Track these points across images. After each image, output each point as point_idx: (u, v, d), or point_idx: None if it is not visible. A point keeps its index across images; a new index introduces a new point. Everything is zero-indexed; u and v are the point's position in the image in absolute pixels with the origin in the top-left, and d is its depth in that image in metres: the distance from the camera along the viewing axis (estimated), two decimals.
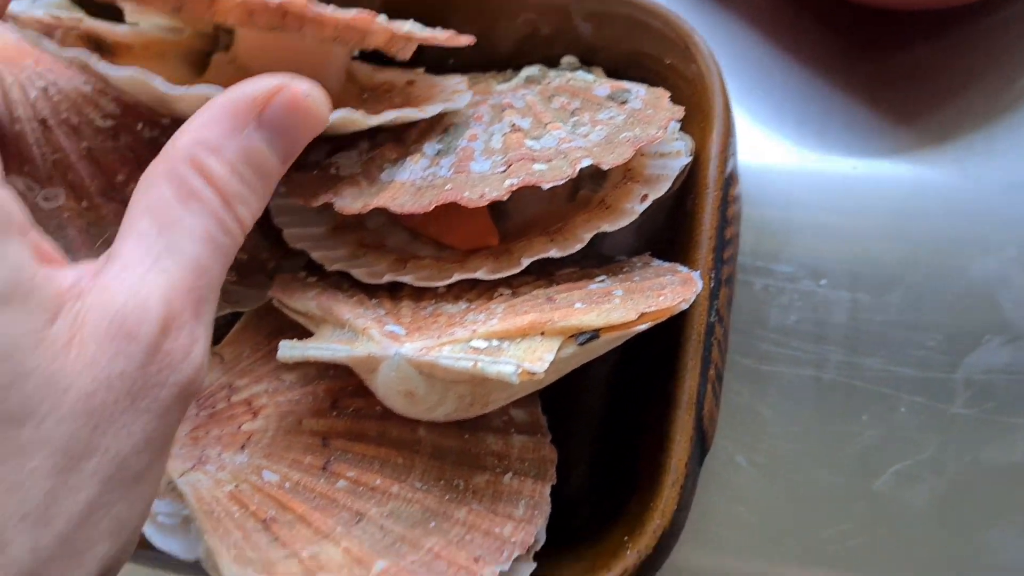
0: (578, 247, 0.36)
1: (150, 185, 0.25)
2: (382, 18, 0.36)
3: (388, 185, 0.36)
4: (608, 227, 0.36)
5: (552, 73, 0.43)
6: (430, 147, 0.37)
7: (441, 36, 0.38)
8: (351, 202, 0.35)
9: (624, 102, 0.39)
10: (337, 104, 0.38)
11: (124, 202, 0.38)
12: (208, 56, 0.39)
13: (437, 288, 0.37)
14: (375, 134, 0.39)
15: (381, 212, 0.39)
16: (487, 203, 0.34)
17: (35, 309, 0.22)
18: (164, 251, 0.24)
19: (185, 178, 0.25)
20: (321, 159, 0.39)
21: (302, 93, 0.28)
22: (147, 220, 0.25)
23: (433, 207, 0.34)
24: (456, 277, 0.35)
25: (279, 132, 0.27)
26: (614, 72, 0.44)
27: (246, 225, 0.27)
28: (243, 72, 0.37)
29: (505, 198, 0.34)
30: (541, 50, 0.45)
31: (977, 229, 0.46)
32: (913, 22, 0.50)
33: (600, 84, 0.40)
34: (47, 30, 0.36)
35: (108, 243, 0.37)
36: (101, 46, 0.38)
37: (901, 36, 0.50)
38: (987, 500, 0.42)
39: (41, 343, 0.22)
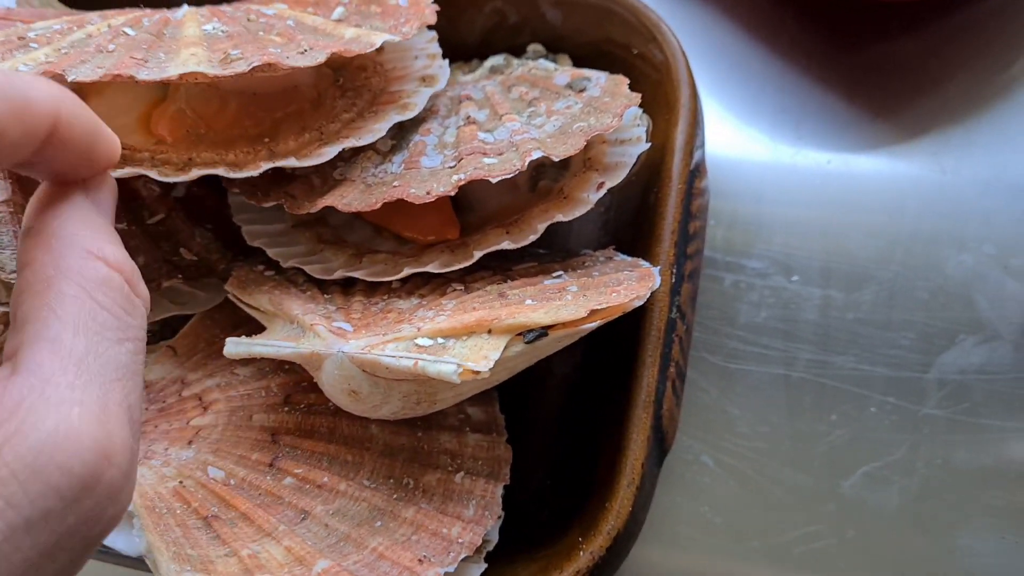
0: (532, 238, 0.35)
1: (43, 292, 0.22)
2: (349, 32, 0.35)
3: (340, 183, 0.35)
4: (563, 217, 0.35)
5: (516, 62, 0.43)
6: (383, 143, 0.37)
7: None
8: (301, 202, 0.35)
9: (583, 90, 0.38)
10: (315, 92, 0.38)
11: None
12: None
13: (391, 283, 0.36)
14: None
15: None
16: (434, 199, 0.33)
17: None
18: (84, 360, 0.21)
19: (86, 272, 0.22)
20: None
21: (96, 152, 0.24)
22: (57, 325, 0.21)
23: (380, 204, 0.33)
24: (407, 271, 0.35)
25: (105, 188, 0.25)
26: (582, 61, 0.43)
27: (146, 296, 0.24)
28: (209, 87, 0.36)
29: (453, 193, 0.33)
30: (508, 39, 0.44)
31: (953, 225, 0.45)
32: (891, 15, 0.49)
33: (561, 72, 0.40)
34: None
35: None
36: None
37: (879, 29, 0.49)
38: (957, 502, 0.41)
39: None
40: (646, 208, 0.39)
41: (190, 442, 0.35)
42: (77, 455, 0.20)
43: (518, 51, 0.44)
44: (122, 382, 0.22)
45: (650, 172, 0.39)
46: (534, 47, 0.44)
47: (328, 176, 0.36)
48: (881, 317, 0.44)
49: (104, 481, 0.20)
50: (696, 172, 0.39)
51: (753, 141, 0.48)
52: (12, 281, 0.36)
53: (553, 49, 0.44)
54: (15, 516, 0.19)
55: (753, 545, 0.41)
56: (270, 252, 0.37)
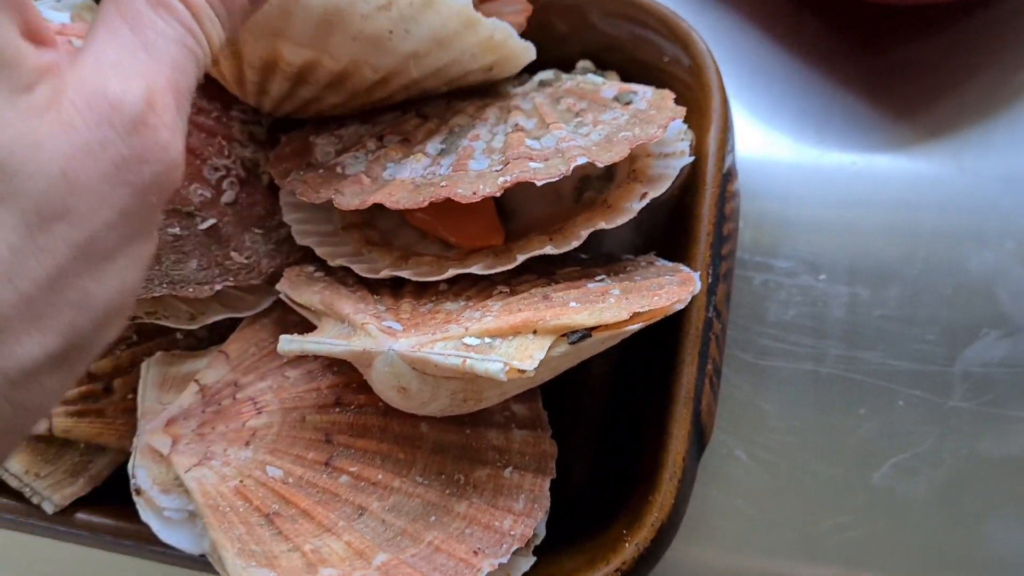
0: (575, 244, 0.36)
1: None
2: None
3: (389, 183, 0.36)
4: (605, 224, 0.37)
5: (565, 76, 0.44)
6: (433, 147, 0.38)
7: None
8: (350, 198, 0.36)
9: (629, 103, 0.39)
10: None
11: None
12: None
13: (439, 286, 0.37)
14: (382, 135, 0.39)
15: (392, 213, 0.40)
16: (480, 199, 0.34)
17: (14, 76, 0.22)
18: (140, 47, 0.24)
19: None
20: (329, 160, 0.39)
21: None
22: (119, 20, 0.24)
23: (427, 203, 0.34)
24: (452, 272, 0.36)
25: None
26: (616, 69, 0.45)
27: (214, 45, 0.27)
28: None
29: (498, 194, 0.34)
30: (554, 50, 0.45)
31: (975, 223, 0.47)
32: (911, 18, 0.50)
33: (609, 86, 0.41)
34: None
35: None
36: None
37: (899, 32, 0.50)
38: (984, 492, 0.42)
39: (16, 104, 0.22)
40: (681, 211, 0.40)
41: (247, 443, 0.36)
42: (125, 97, 0.23)
43: (567, 66, 0.45)
44: (173, 70, 0.24)
45: (684, 176, 0.40)
46: (583, 63, 0.45)
47: (378, 176, 0.37)
48: (906, 313, 0.45)
49: (150, 125, 0.23)
50: (728, 176, 0.40)
51: (778, 143, 0.49)
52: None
53: (601, 64, 0.45)
54: (76, 136, 0.22)
55: (787, 536, 0.42)
56: (319, 251, 0.38)
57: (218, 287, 0.39)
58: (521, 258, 0.36)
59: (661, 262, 0.39)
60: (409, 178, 0.36)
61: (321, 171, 0.38)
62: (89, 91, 0.23)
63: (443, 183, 0.35)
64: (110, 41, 0.24)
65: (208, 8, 0.26)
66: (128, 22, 0.24)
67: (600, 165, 0.35)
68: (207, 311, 0.39)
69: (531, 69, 0.44)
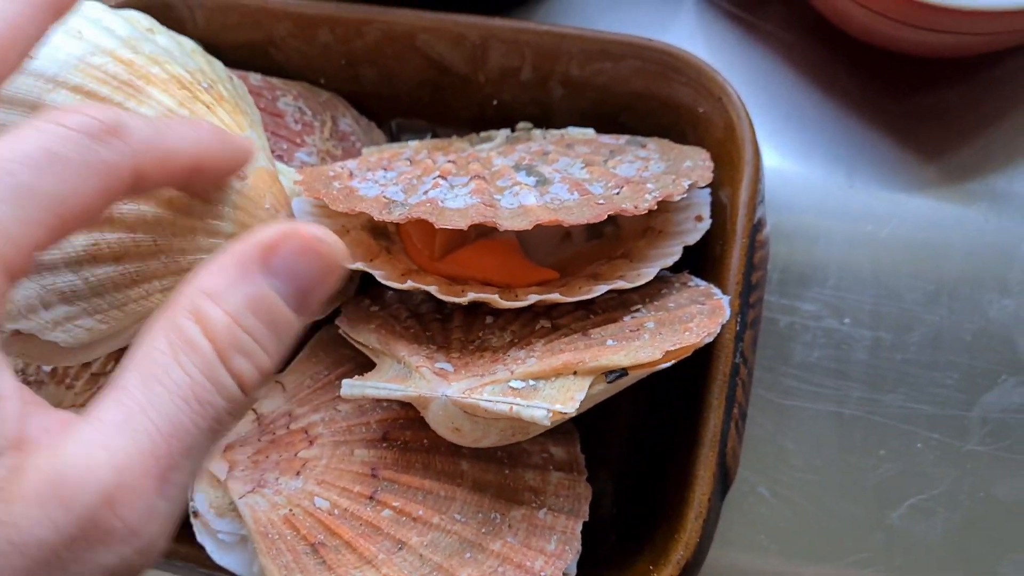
0: (654, 269, 0.39)
1: (145, 335, 0.23)
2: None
3: (520, 209, 0.37)
4: (676, 244, 0.40)
5: (536, 132, 0.46)
6: (521, 176, 0.39)
7: None
8: (514, 221, 0.36)
9: (644, 146, 0.41)
10: None
11: None
12: None
13: (485, 319, 0.39)
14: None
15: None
16: (644, 212, 0.36)
17: None
18: (139, 409, 0.22)
19: (181, 327, 0.23)
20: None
21: (313, 238, 0.25)
22: (132, 374, 0.22)
23: (605, 215, 0.36)
24: (471, 296, 0.37)
25: (290, 278, 0.24)
26: (648, 116, 0.46)
27: (246, 381, 0.24)
28: None
29: (654, 206, 0.36)
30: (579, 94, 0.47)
31: (996, 269, 0.48)
32: (940, 66, 0.52)
33: (604, 136, 0.43)
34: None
35: None
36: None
37: (928, 78, 0.52)
38: (999, 534, 0.44)
39: None
40: (711, 260, 0.42)
41: (298, 473, 0.38)
42: (79, 494, 0.20)
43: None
44: (169, 438, 0.22)
45: (715, 225, 0.42)
46: (523, 124, 0.47)
47: (494, 203, 0.38)
48: (927, 358, 0.47)
49: (102, 525, 0.21)
50: (758, 226, 0.42)
51: (808, 185, 0.51)
52: None
53: (631, 112, 0.47)
54: (14, 534, 0.20)
55: (807, 572, 0.44)
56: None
57: None
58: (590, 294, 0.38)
59: (695, 283, 0.40)
60: (537, 204, 0.37)
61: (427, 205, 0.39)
62: (44, 481, 0.21)
63: (600, 200, 0.37)
64: (112, 404, 0.22)
65: (242, 339, 0.24)
66: (141, 374, 0.23)
67: (701, 185, 0.38)
68: None
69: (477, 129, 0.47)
